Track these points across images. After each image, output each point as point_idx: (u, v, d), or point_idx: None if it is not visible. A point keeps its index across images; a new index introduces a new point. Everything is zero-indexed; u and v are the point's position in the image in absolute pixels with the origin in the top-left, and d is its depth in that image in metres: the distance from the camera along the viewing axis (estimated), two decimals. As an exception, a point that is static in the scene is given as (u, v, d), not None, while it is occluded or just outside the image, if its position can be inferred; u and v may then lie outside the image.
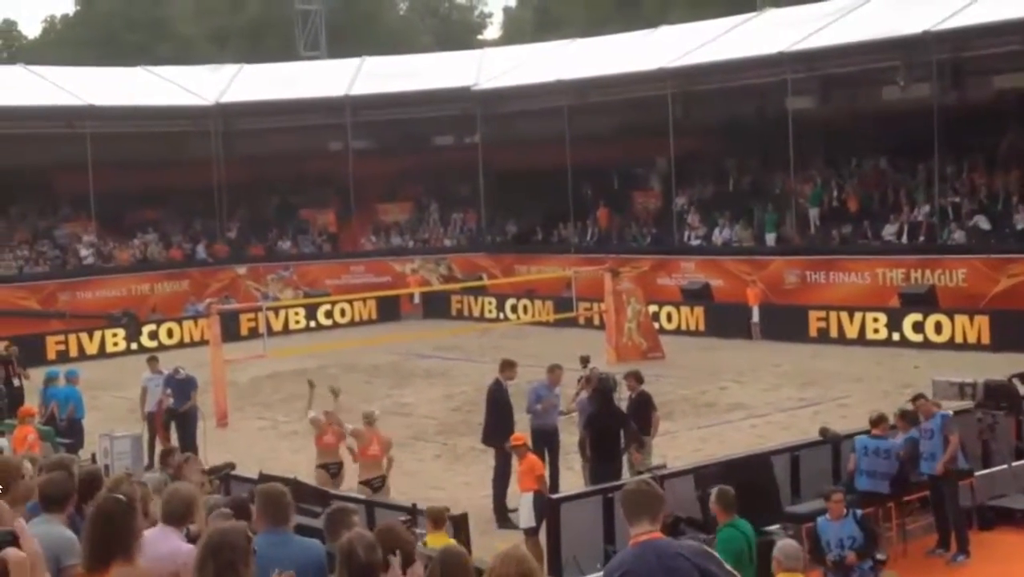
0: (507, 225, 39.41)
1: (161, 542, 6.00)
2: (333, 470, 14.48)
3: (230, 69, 42.67)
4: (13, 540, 2.37)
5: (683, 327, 30.87)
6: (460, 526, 11.00)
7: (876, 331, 27.47)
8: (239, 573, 4.75)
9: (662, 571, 5.36)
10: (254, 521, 6.52)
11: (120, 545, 4.80)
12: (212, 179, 38.33)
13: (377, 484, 13.84)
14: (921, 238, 29.52)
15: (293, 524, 6.39)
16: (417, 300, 36.83)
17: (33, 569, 2.39)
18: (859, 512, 10.86)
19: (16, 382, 20.95)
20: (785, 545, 8.40)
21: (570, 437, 15.63)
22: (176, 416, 18.94)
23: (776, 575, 8.33)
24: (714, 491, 9.71)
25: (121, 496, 5.48)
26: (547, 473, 14.42)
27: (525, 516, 12.71)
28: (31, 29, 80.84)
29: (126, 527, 4.92)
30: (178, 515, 6.34)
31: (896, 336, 27.06)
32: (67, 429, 18.15)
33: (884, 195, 31.65)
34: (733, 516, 9.26)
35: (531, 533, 12.46)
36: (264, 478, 13.17)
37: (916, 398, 13.12)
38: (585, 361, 18.63)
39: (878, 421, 12.85)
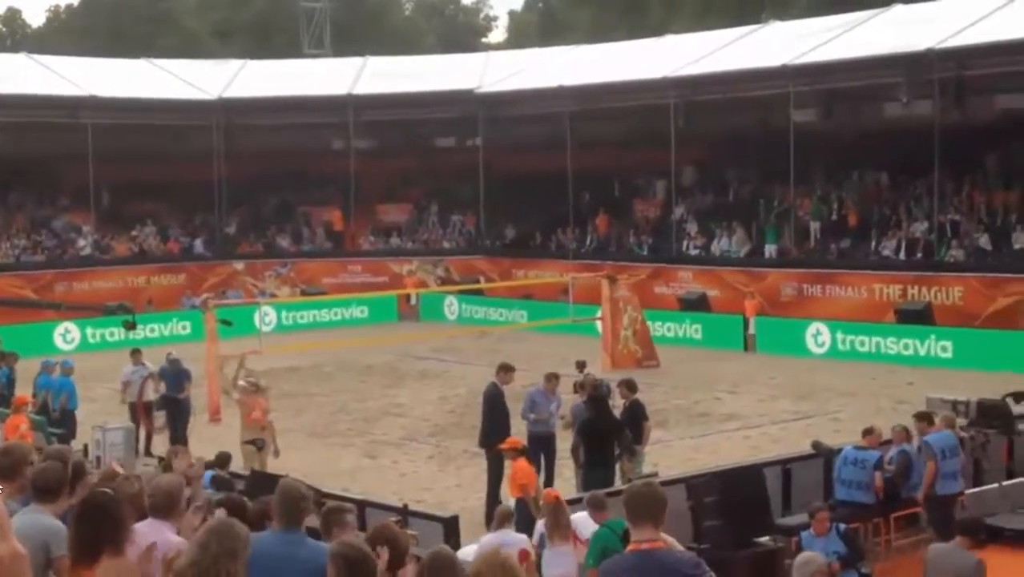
0: (506, 229, 39.40)
1: (151, 535, 6.00)
2: (259, 444, 15.84)
3: (234, 64, 42.66)
4: None
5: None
6: (451, 528, 11.01)
7: (871, 346, 27.49)
8: (237, 561, 4.76)
9: None
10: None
11: (110, 537, 4.79)
12: (213, 174, 38.30)
13: (260, 444, 15.69)
14: (919, 255, 29.56)
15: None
16: (414, 301, 36.84)
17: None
18: (842, 526, 10.87)
19: None
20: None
21: (562, 443, 15.62)
22: (169, 403, 18.98)
23: None
24: (586, 496, 9.84)
25: (108, 489, 5.47)
26: (542, 479, 14.41)
27: None
28: (35, 18, 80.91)
29: (116, 520, 4.91)
30: (162, 507, 6.32)
31: (891, 352, 27.08)
32: (59, 419, 18.17)
33: (884, 211, 31.69)
34: (606, 516, 9.17)
35: None
36: (256, 475, 13.19)
37: (920, 417, 13.17)
38: (581, 366, 18.65)
39: (867, 433, 12.93)
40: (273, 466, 15.46)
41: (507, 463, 13.90)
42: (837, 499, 12.48)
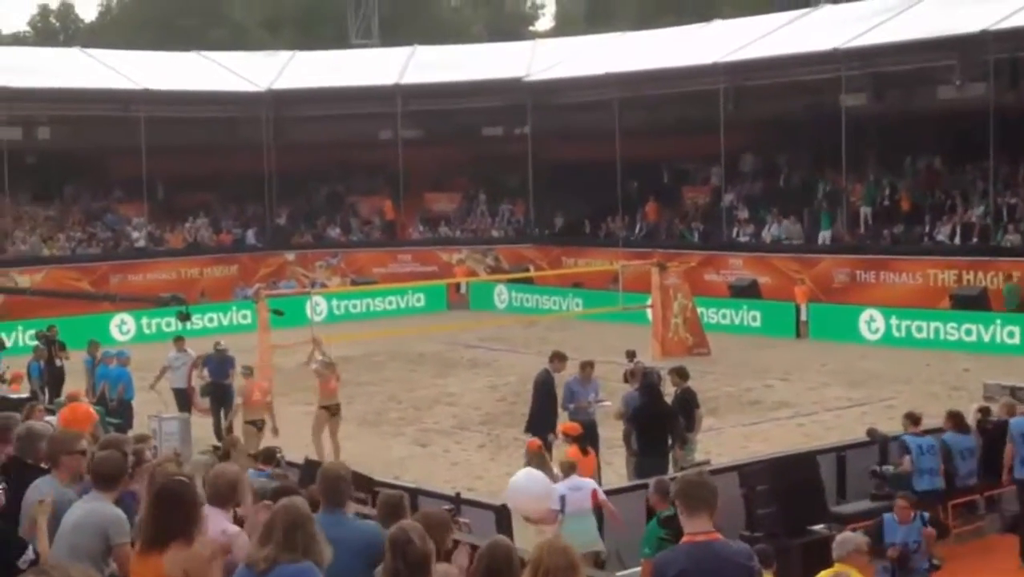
0: (555, 217, 39.36)
1: (207, 523, 6.06)
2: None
3: (283, 56, 42.89)
4: None
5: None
6: (503, 517, 11.02)
7: (926, 332, 27.18)
8: (314, 540, 4.85)
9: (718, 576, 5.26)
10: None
11: (183, 526, 4.83)
12: (263, 165, 38.59)
13: (260, 424, 16.90)
14: (974, 239, 29.17)
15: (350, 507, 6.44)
16: (464, 290, 36.92)
17: None
18: (927, 515, 10.73)
19: (58, 362, 21.35)
20: (841, 537, 8.34)
21: (610, 432, 15.59)
22: (215, 389, 19.23)
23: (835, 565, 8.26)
24: (652, 481, 9.80)
25: (185, 477, 5.52)
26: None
27: None
28: (88, 12, 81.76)
29: (192, 509, 4.95)
30: (223, 496, 6.39)
31: (946, 338, 26.77)
32: (117, 409, 18.44)
33: (937, 195, 31.30)
34: (668, 506, 9.17)
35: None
36: (310, 464, 13.27)
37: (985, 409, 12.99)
38: (631, 355, 18.59)
39: (918, 419, 12.78)
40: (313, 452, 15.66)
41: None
42: (919, 490, 12.13)
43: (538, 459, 12.19)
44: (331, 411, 17.58)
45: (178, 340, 20.62)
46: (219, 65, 40.78)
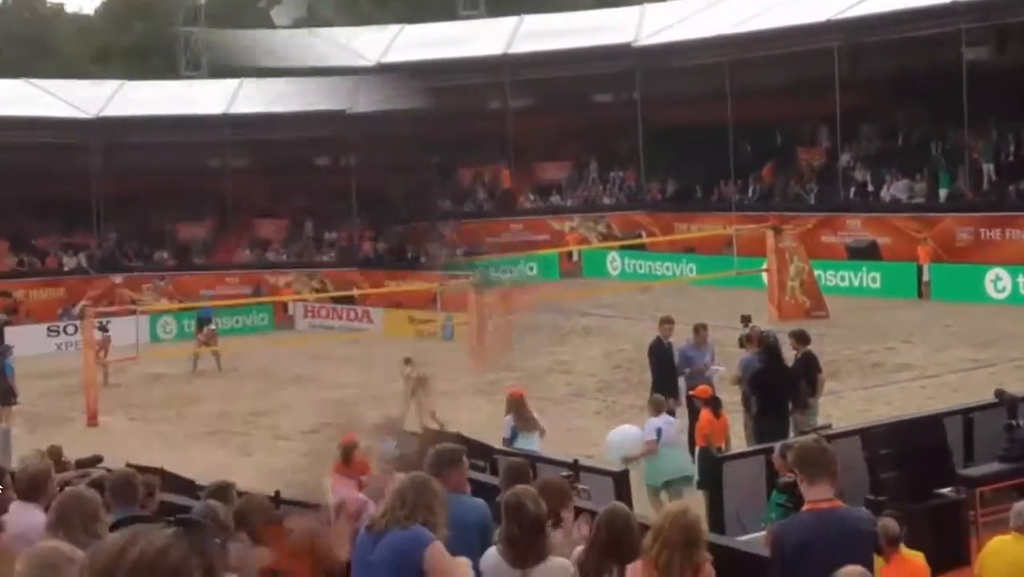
0: (667, 183, 39.01)
1: (19, 517, 6.02)
2: None
3: (392, 29, 43.20)
4: None
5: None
6: (621, 483, 11.02)
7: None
8: (435, 514, 4.95)
9: (843, 546, 5.13)
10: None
11: None
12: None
13: None
14: (1105, 193, 28.13)
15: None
16: (576, 258, 36.87)
17: None
18: None
19: None
20: (1019, 505, 8.10)
21: (727, 396, 15.43)
22: None
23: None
24: (778, 445, 9.91)
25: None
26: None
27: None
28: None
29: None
30: (30, 489, 6.33)
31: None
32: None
33: (1065, 148, 30.23)
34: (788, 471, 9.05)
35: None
36: (428, 432, 13.44)
37: None
38: (746, 320, 18.39)
39: None
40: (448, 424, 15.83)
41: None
42: None
43: (517, 406, 12.80)
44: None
45: None
46: (328, 42, 41.21)
